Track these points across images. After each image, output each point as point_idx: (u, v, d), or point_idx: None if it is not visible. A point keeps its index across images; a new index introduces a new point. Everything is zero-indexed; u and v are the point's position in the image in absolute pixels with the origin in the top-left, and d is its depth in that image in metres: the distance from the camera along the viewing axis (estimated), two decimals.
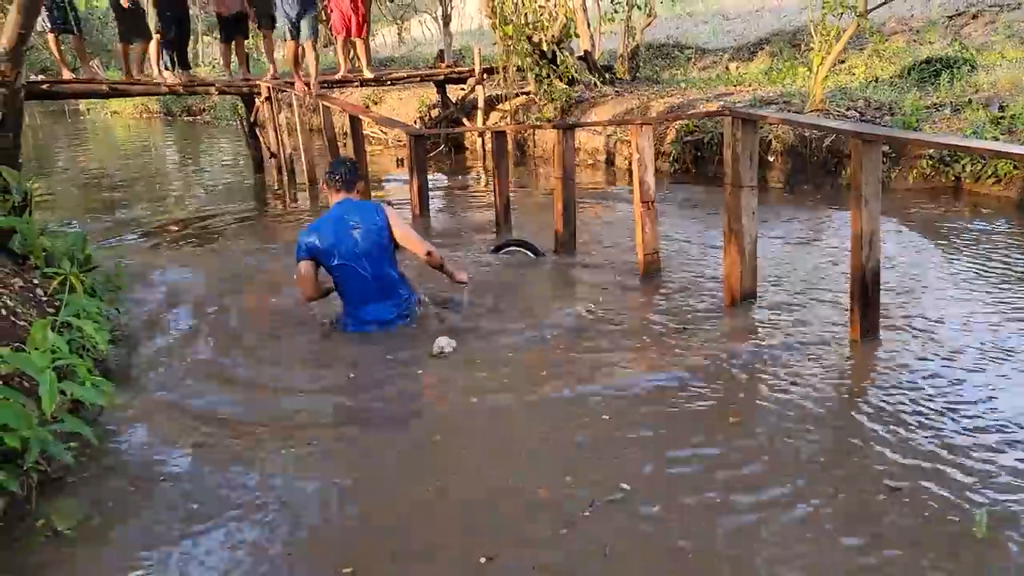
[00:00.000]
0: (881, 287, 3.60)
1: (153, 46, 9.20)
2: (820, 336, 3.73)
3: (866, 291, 3.55)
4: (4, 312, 3.20)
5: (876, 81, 8.76)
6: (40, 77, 9.80)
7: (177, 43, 9.44)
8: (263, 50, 9.91)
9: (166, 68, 9.53)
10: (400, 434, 2.99)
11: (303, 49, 9.00)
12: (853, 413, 2.98)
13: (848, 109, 7.55)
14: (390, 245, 4.01)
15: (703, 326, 3.96)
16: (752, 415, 2.98)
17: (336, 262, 3.91)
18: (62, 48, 9.36)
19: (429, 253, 4.07)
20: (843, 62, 10.00)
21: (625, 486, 2.48)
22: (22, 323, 3.27)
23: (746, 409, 3.03)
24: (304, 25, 8.65)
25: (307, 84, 8.97)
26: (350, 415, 3.20)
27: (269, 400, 3.32)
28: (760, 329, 3.89)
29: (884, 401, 3.04)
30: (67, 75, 9.27)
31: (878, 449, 2.68)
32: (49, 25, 8.52)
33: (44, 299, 3.79)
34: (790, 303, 4.23)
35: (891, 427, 2.82)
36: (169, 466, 2.77)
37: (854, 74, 9.31)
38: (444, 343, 3.62)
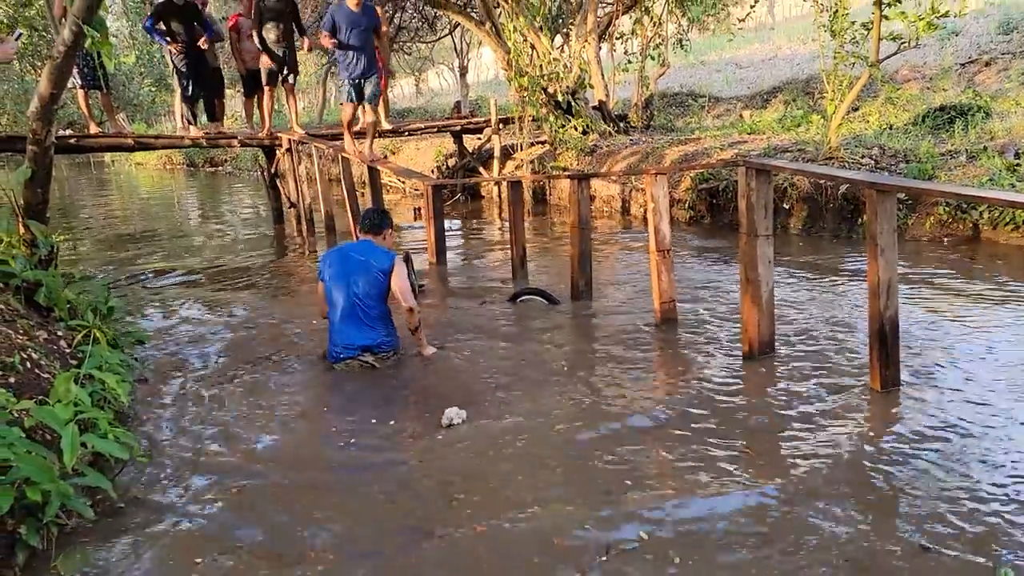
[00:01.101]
0: (900, 336, 3.59)
1: (176, 100, 9.47)
2: (840, 386, 3.70)
3: (885, 340, 3.53)
4: (29, 365, 3.25)
5: (890, 128, 8.81)
6: (68, 131, 10.05)
7: (207, 97, 9.71)
8: (284, 103, 10.12)
9: (189, 122, 9.78)
10: (416, 488, 2.96)
11: (364, 111, 8.44)
12: (877, 466, 2.93)
13: (863, 157, 7.59)
14: (385, 286, 4.34)
15: (722, 377, 3.93)
16: (774, 467, 2.94)
17: (332, 282, 4.34)
18: (90, 103, 9.63)
19: (411, 310, 4.34)
20: (856, 109, 10.08)
21: (643, 535, 2.46)
22: (46, 375, 3.32)
23: (768, 461, 2.99)
24: (369, 87, 8.08)
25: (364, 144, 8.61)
26: (358, 474, 3.14)
27: (287, 459, 3.32)
28: (780, 379, 3.87)
29: (907, 453, 3.00)
30: (94, 129, 9.52)
31: (905, 504, 2.64)
32: (80, 82, 8.78)
33: (67, 351, 3.84)
34: (809, 352, 4.20)
35: (916, 481, 2.78)
36: (188, 521, 2.76)
37: (868, 122, 9.37)
38: (453, 414, 3.52)
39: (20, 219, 4.27)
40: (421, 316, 4.46)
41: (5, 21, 10.64)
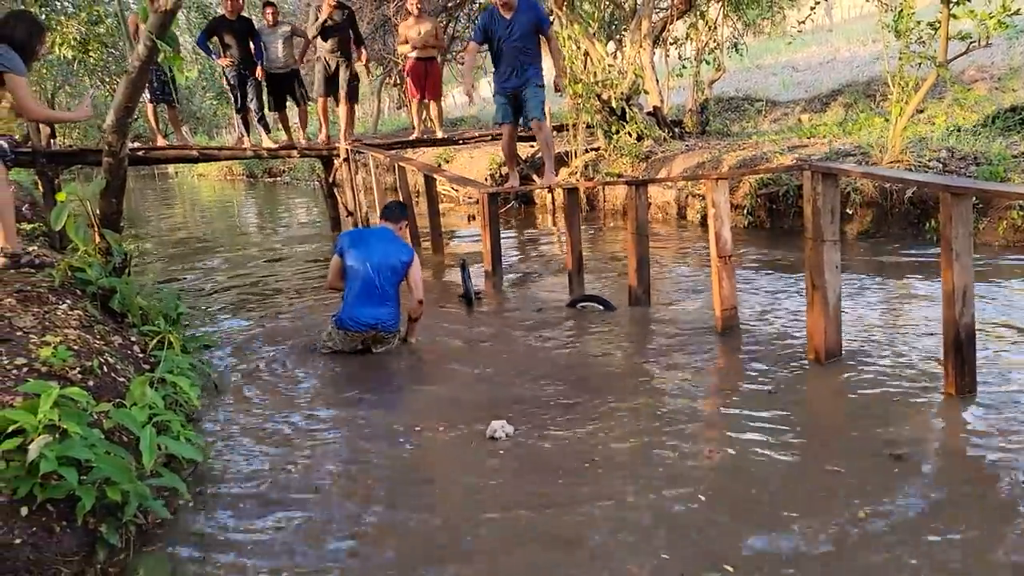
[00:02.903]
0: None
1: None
2: (912, 393, 3.59)
3: (960, 347, 3.42)
4: (106, 369, 3.36)
5: (958, 130, 8.54)
6: (136, 144, 10.40)
7: (259, 108, 9.93)
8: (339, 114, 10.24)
9: (241, 135, 10.04)
10: (477, 509, 2.88)
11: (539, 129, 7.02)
12: (958, 474, 2.84)
13: (930, 160, 7.37)
14: (401, 276, 4.84)
15: (789, 386, 3.85)
16: (851, 476, 2.86)
17: (352, 260, 4.80)
18: (157, 116, 9.96)
19: (420, 302, 4.91)
20: (922, 111, 9.80)
21: (728, 568, 2.35)
22: (121, 379, 3.42)
23: (847, 474, 2.90)
24: (530, 98, 6.66)
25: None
26: (414, 486, 3.16)
27: (346, 467, 3.36)
28: (849, 387, 3.77)
29: (988, 461, 2.89)
30: (161, 142, 9.83)
31: (988, 515, 2.54)
32: (149, 96, 9.08)
33: (140, 355, 3.96)
34: (877, 359, 4.08)
35: (999, 489, 2.68)
36: (256, 528, 2.81)
37: (934, 124, 9.10)
38: (498, 426, 3.46)
39: (96, 228, 4.43)
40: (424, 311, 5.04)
41: (78, 38, 11.04)
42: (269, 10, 9.60)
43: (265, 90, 9.73)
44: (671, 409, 3.65)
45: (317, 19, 9.22)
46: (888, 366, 3.98)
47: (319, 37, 9.30)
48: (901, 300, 5.31)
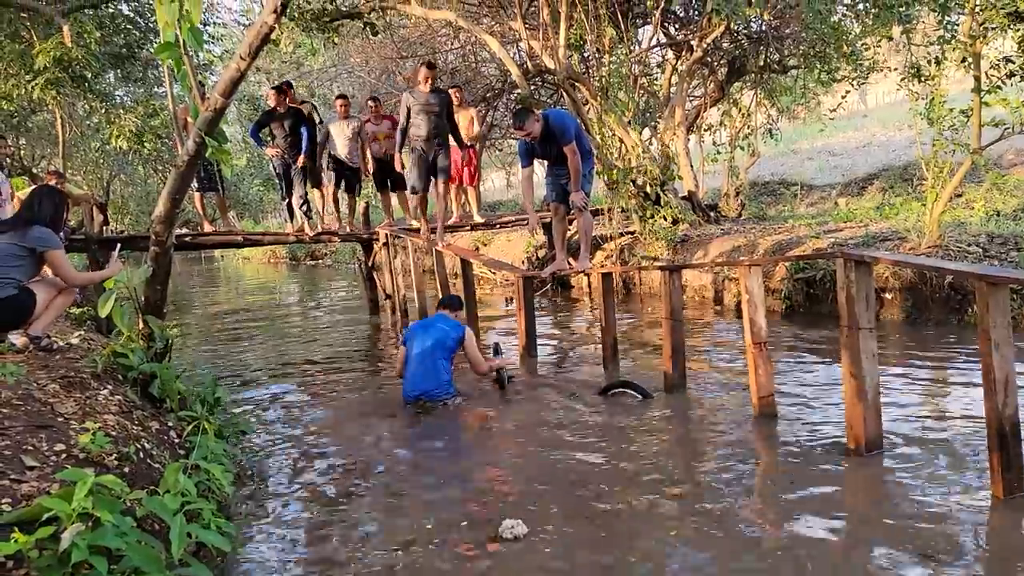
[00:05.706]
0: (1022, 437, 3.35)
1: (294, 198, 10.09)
2: (957, 490, 3.46)
3: (1005, 442, 3.31)
4: (142, 455, 3.41)
5: (997, 215, 8.46)
6: (184, 230, 10.80)
7: (303, 195, 10.28)
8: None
9: (286, 221, 10.36)
10: None
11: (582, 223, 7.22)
12: None
13: (969, 245, 7.29)
14: (454, 350, 5.60)
15: (828, 480, 3.73)
16: None
17: (409, 343, 5.64)
18: (204, 203, 10.35)
19: (483, 374, 5.87)
20: (960, 196, 9.75)
21: None
22: (156, 465, 3.47)
23: (885, 574, 2.80)
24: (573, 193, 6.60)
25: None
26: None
27: (380, 556, 3.33)
28: (890, 482, 3.65)
29: None
30: (208, 228, 10.19)
31: None
32: (196, 186, 9.47)
33: (176, 441, 4.01)
34: (921, 453, 3.96)
35: None
36: None
37: (973, 208, 9.03)
38: (508, 526, 3.31)
39: (140, 314, 4.57)
40: (497, 367, 5.93)
41: (133, 130, 11.60)
42: (340, 102, 10.06)
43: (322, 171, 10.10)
44: (700, 507, 3.55)
45: (408, 111, 8.34)
46: (932, 461, 3.85)
47: (414, 125, 8.38)
48: (948, 389, 5.18)
